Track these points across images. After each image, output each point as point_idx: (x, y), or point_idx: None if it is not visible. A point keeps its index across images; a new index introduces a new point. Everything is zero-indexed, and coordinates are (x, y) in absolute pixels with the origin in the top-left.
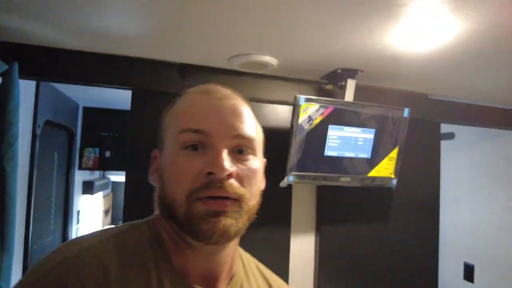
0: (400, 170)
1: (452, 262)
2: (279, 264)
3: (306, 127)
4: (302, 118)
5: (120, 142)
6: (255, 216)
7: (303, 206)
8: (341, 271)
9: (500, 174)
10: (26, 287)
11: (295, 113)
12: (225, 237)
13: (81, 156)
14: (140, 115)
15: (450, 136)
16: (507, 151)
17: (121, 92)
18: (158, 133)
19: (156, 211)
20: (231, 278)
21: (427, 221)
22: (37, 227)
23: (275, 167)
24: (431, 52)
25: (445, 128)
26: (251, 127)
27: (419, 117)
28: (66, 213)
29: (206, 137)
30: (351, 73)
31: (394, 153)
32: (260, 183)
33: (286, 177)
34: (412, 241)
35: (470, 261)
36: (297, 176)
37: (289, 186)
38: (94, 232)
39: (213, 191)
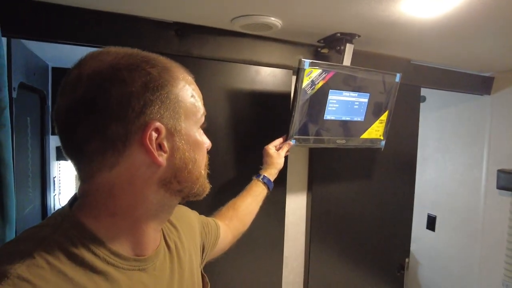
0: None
1: (418, 214)
2: (277, 220)
3: (309, 91)
4: (306, 82)
5: None
6: None
7: (296, 167)
8: (330, 226)
9: (463, 135)
10: None
11: (299, 78)
12: None
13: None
14: None
15: (422, 99)
16: (471, 114)
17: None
18: (160, 103)
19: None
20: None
21: (405, 179)
22: (17, 197)
23: (273, 130)
24: (431, 20)
25: None
26: None
27: (403, 82)
28: (43, 181)
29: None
30: (349, 37)
31: (384, 116)
32: None
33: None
34: (392, 197)
35: (433, 212)
36: (299, 139)
37: None
38: (13, 243)
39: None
